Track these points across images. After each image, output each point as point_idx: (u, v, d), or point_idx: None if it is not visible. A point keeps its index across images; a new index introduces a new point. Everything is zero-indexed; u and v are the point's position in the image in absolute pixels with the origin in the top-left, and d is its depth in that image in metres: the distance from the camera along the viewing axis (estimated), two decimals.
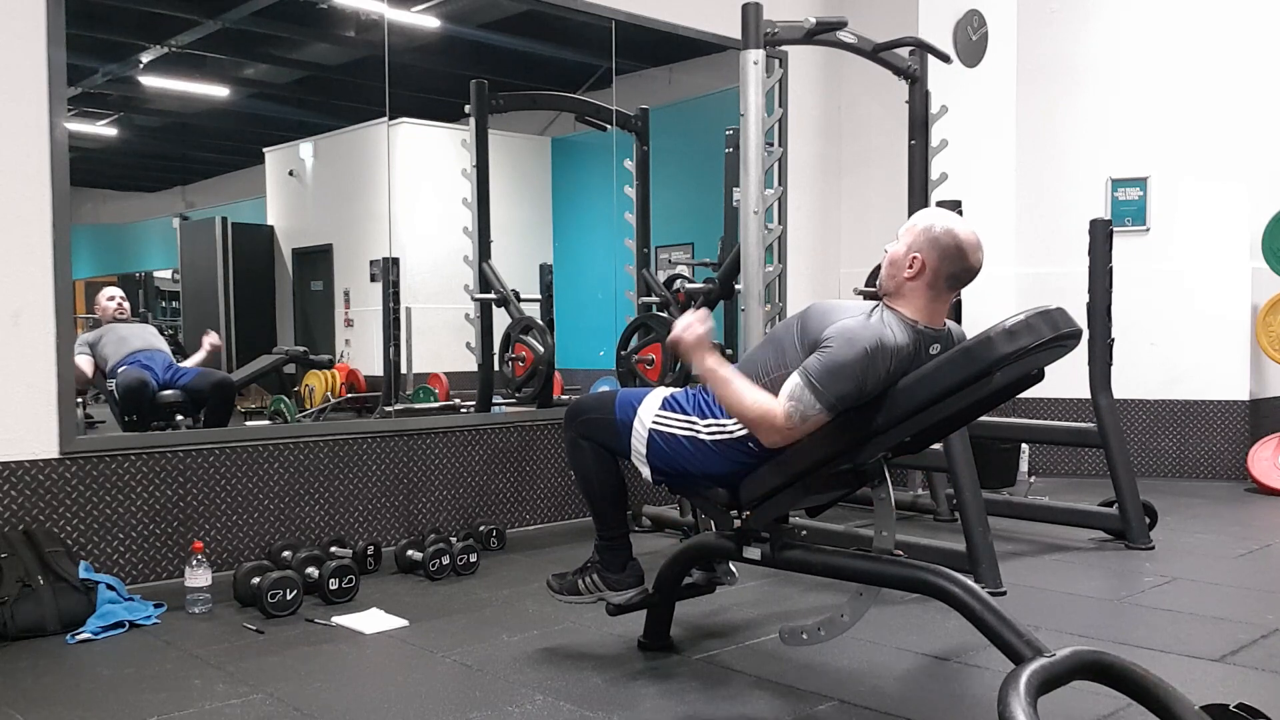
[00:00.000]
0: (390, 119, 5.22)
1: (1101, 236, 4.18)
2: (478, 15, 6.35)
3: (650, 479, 2.50)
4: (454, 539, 3.81)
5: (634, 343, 4.52)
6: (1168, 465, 5.83)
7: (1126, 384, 5.18)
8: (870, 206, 5.76)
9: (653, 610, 2.74)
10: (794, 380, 2.18)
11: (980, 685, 2.48)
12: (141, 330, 4.91)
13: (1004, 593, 3.27)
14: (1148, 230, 5.84)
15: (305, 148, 7.59)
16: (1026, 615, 2.82)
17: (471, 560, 3.65)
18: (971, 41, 5.80)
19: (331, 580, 3.24)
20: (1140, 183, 5.85)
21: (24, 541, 3.10)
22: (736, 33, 3.52)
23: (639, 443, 2.46)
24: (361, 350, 6.78)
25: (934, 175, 4.27)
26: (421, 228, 6.82)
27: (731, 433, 2.36)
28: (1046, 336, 1.98)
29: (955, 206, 3.98)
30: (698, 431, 2.40)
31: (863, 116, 5.84)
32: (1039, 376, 2.21)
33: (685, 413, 2.44)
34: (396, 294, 5.55)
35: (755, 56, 3.47)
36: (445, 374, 6.05)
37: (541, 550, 4.08)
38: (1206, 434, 5.76)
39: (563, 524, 4.58)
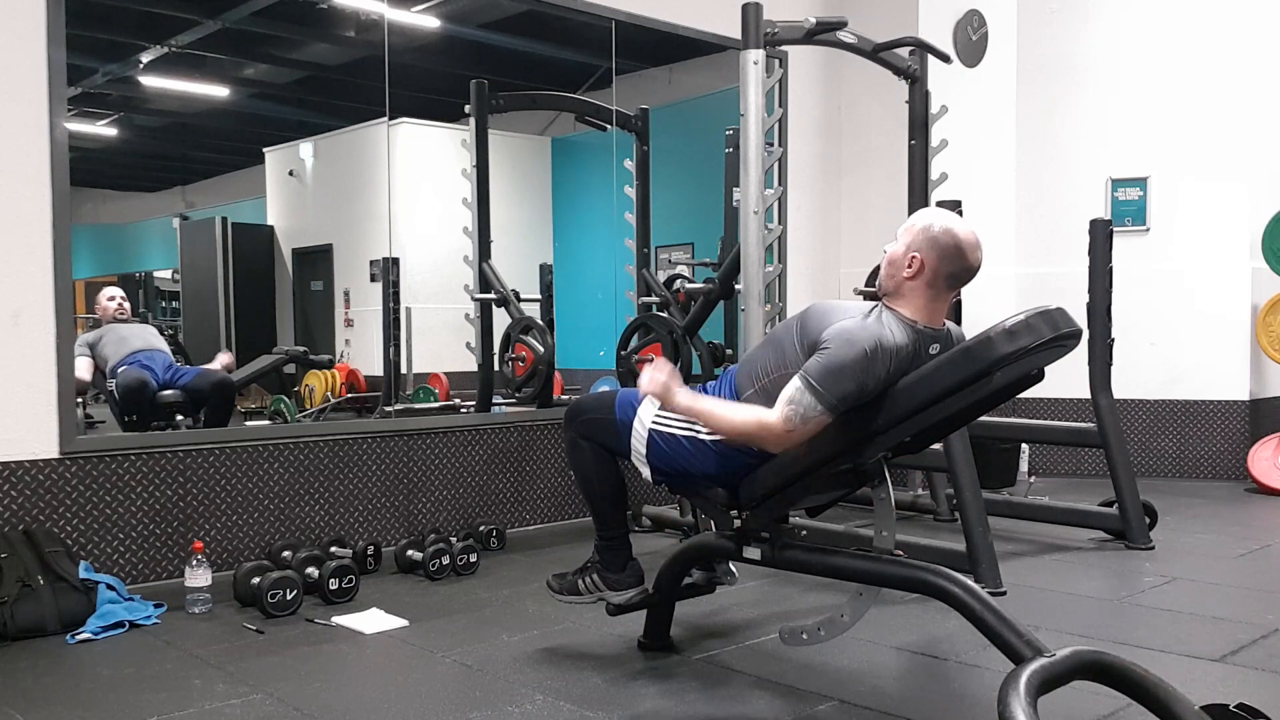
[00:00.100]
0: (390, 119, 5.22)
1: (1101, 236, 4.18)
2: (478, 15, 6.35)
3: (650, 479, 2.50)
4: (454, 539, 3.81)
5: (634, 343, 4.52)
6: (1168, 465, 5.83)
7: (1126, 384, 5.18)
8: (870, 206, 5.76)
9: (653, 610, 2.74)
10: (793, 384, 2.18)
11: (980, 685, 2.48)
12: (142, 330, 4.91)
13: (1004, 593, 3.27)
14: (1148, 230, 5.84)
15: (305, 148, 7.59)
16: (1026, 615, 2.82)
17: (471, 560, 3.65)
18: (971, 41, 5.80)
19: (331, 580, 3.24)
20: (1140, 183, 5.85)
21: (24, 541, 3.10)
22: (736, 33, 3.52)
23: (639, 443, 2.46)
24: (361, 350, 6.78)
25: (934, 175, 4.27)
26: (421, 228, 6.82)
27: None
28: (1046, 336, 1.98)
29: (955, 206, 3.98)
30: (697, 431, 2.40)
31: (863, 116, 5.84)
32: (1039, 376, 2.20)
33: None
34: (396, 294, 5.55)
35: (755, 56, 3.47)
36: (445, 374, 6.05)
37: (541, 550, 4.08)
38: (1206, 434, 5.76)
39: (563, 524, 4.58)
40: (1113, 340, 4.19)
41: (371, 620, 3.04)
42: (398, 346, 5.74)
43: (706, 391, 2.48)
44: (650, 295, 4.73)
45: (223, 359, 5.25)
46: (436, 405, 5.65)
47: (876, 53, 3.97)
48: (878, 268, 2.40)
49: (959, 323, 2.67)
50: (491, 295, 4.76)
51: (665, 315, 4.50)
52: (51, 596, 2.97)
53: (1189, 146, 5.75)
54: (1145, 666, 1.95)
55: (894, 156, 4.73)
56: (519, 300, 4.85)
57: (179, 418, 4.56)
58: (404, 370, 6.03)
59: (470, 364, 4.84)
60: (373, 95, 4.88)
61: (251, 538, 3.68)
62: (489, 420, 4.47)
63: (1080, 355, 3.03)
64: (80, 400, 4.00)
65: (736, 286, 3.67)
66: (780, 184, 5.23)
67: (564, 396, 5.41)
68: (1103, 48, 5.91)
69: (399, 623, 3.02)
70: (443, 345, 5.96)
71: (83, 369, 4.35)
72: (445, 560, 3.59)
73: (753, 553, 2.50)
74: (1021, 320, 1.99)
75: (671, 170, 5.56)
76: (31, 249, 3.24)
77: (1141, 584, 3.50)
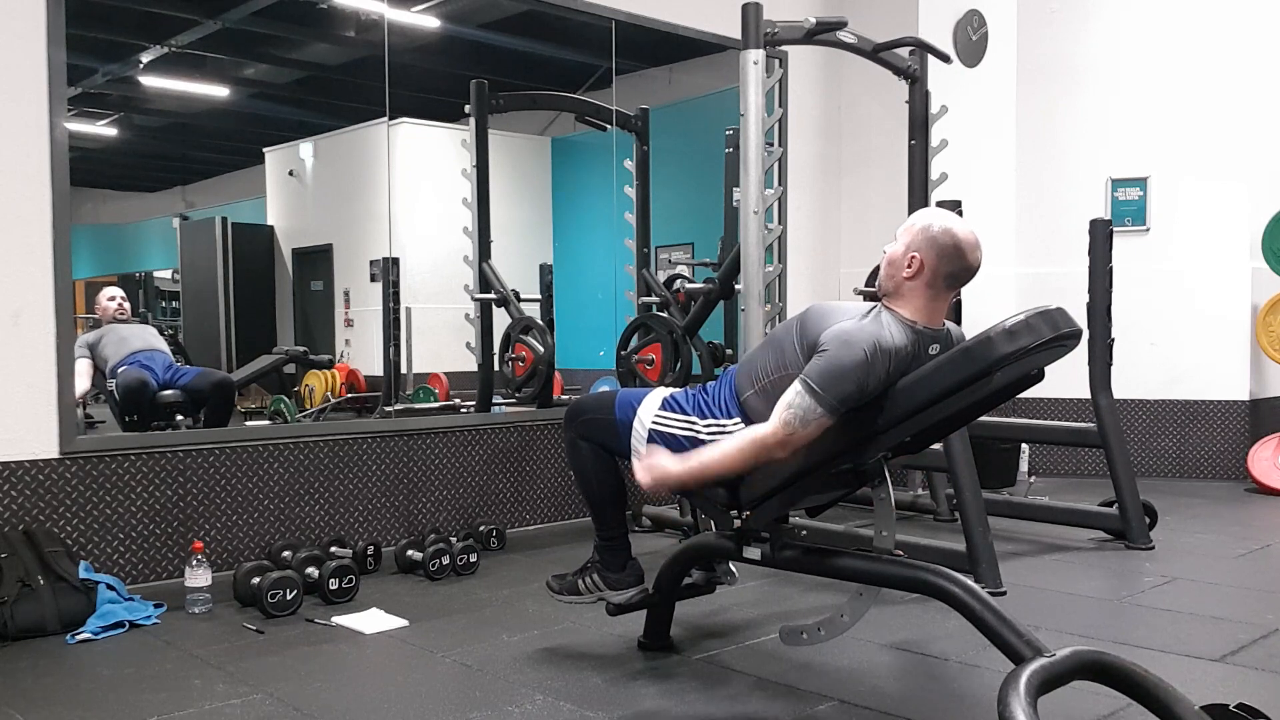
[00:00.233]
0: (390, 119, 5.22)
1: (1101, 236, 4.18)
2: (478, 15, 6.35)
3: None
4: (454, 539, 3.81)
5: (634, 343, 4.52)
6: (1168, 465, 5.83)
7: (1126, 384, 5.18)
8: (870, 206, 5.76)
9: (653, 610, 2.74)
10: (792, 388, 2.18)
11: (980, 685, 2.48)
12: (142, 330, 4.90)
13: (1004, 593, 3.27)
14: (1148, 230, 5.84)
15: (305, 148, 7.59)
16: (1026, 615, 2.82)
17: (471, 560, 3.65)
18: (971, 41, 5.80)
19: (331, 580, 3.24)
20: (1140, 183, 5.85)
21: (24, 541, 3.10)
22: (736, 33, 3.52)
23: (639, 443, 2.46)
24: (361, 350, 6.77)
25: (934, 175, 4.27)
26: (421, 228, 6.82)
27: (731, 433, 2.36)
28: (1046, 336, 1.98)
29: (955, 206, 3.97)
30: (697, 432, 2.40)
31: (863, 116, 5.84)
32: (1039, 376, 2.20)
33: (685, 413, 2.44)
34: (396, 294, 5.55)
35: (755, 56, 3.47)
36: (445, 374, 6.05)
37: (541, 550, 4.08)
38: (1206, 434, 5.76)
39: (563, 524, 4.58)
40: (1113, 340, 4.19)
41: (371, 620, 3.04)
42: (398, 346, 5.74)
43: (707, 392, 2.48)
44: (650, 295, 4.73)
45: None
46: (436, 405, 5.65)
47: (876, 53, 3.97)
48: (878, 268, 2.40)
49: (959, 323, 2.67)
50: (491, 295, 4.76)
51: (665, 315, 4.50)
52: (51, 596, 2.97)
53: (1189, 146, 5.75)
54: (1145, 666, 1.95)
55: (894, 156, 4.73)
56: (519, 300, 4.85)
57: (179, 418, 4.56)
58: (404, 370, 6.03)
59: (470, 364, 4.84)
60: (373, 95, 4.88)
61: (251, 538, 3.68)
62: (489, 420, 4.47)
63: (1080, 355, 3.03)
64: (80, 402, 4.00)
65: (736, 286, 3.67)
66: (780, 184, 5.23)
67: (564, 396, 5.42)
68: (1103, 48, 5.91)
69: (399, 623, 3.02)
70: (443, 345, 5.96)
71: (83, 371, 4.34)
72: (445, 560, 3.59)
73: (753, 553, 2.50)
74: (1021, 320, 1.99)
75: (671, 170, 5.56)
76: (31, 249, 3.24)
77: (1141, 584, 3.50)
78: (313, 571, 3.28)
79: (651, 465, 2.31)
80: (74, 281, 3.37)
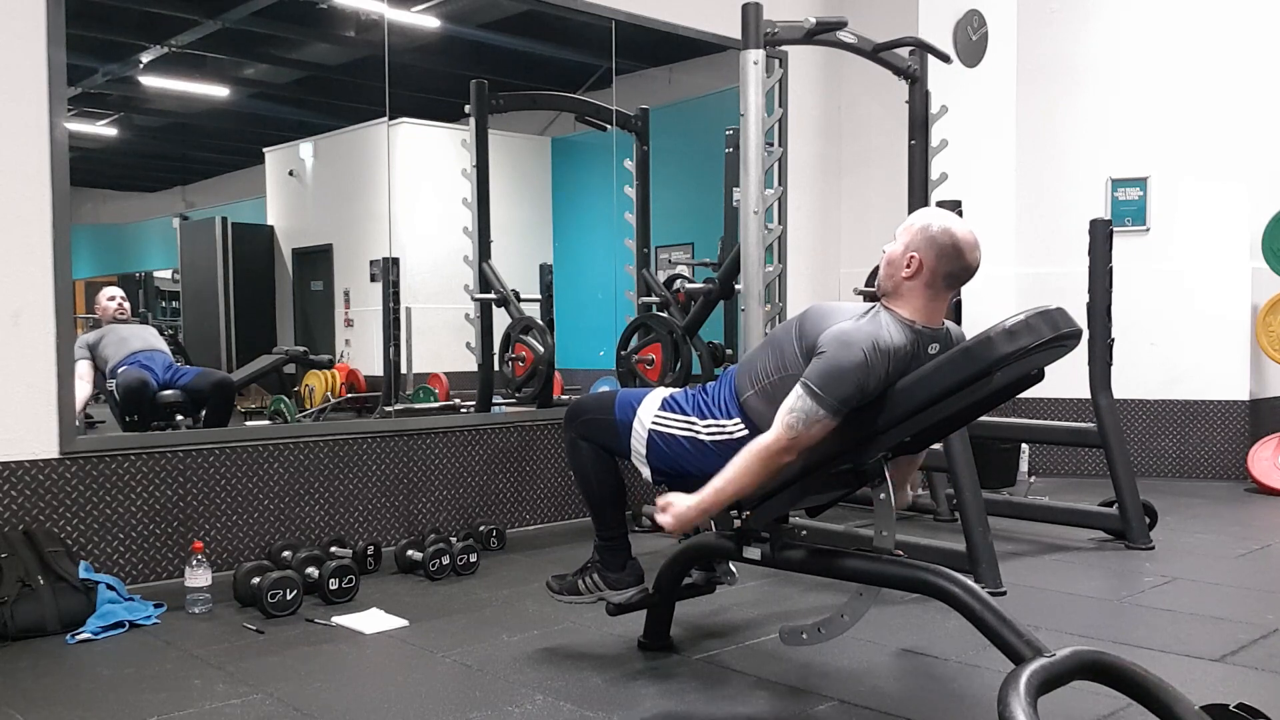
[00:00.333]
0: (390, 119, 5.22)
1: (1101, 236, 4.18)
2: (478, 15, 6.35)
3: (650, 479, 2.50)
4: (454, 539, 3.81)
5: (634, 343, 4.53)
6: (1168, 465, 5.83)
7: (1126, 384, 5.18)
8: (870, 206, 5.76)
9: (653, 610, 2.74)
10: (794, 391, 2.18)
11: (980, 685, 2.48)
12: (142, 331, 4.90)
13: (1004, 593, 3.27)
14: (1148, 230, 5.84)
15: (305, 148, 7.59)
16: (1026, 615, 2.82)
17: (471, 560, 3.65)
18: (971, 41, 5.80)
19: (331, 580, 3.24)
20: (1140, 183, 5.85)
21: (24, 541, 3.10)
22: (736, 33, 3.52)
23: (638, 443, 2.46)
24: (361, 350, 6.77)
25: (934, 175, 4.27)
26: (421, 228, 6.82)
27: (731, 434, 2.36)
28: (1046, 336, 1.98)
29: (955, 206, 3.97)
30: (697, 432, 2.40)
31: (863, 116, 5.84)
32: (1039, 376, 2.20)
33: (685, 413, 2.44)
34: (396, 294, 5.55)
35: (755, 56, 3.47)
36: (445, 374, 6.05)
37: (541, 550, 4.08)
38: (1206, 434, 5.76)
39: (563, 524, 4.58)
40: (1113, 340, 4.19)
41: (371, 620, 3.04)
42: (398, 346, 5.74)
43: (706, 392, 2.48)
44: (650, 295, 4.73)
45: None
46: (436, 405, 5.65)
47: (876, 53, 3.97)
48: (877, 268, 2.40)
49: (959, 323, 2.67)
50: (491, 295, 4.76)
51: (665, 315, 4.50)
52: (51, 596, 2.97)
53: (1189, 146, 5.75)
54: (1145, 666, 1.95)
55: (894, 156, 4.73)
56: (519, 300, 4.85)
57: (179, 418, 4.56)
58: (404, 370, 6.03)
59: (470, 364, 4.84)
60: (373, 95, 4.88)
61: (251, 538, 3.68)
62: (489, 420, 4.47)
63: (1080, 355, 3.03)
64: (82, 409, 3.99)
65: (736, 286, 3.66)
66: (780, 184, 5.23)
67: (564, 396, 5.42)
68: (1103, 48, 5.91)
69: (399, 623, 3.02)
70: (443, 345, 5.96)
71: (83, 374, 4.32)
72: (445, 560, 3.59)
73: (753, 553, 2.50)
74: (1021, 320, 1.99)
75: (671, 170, 5.56)
76: (31, 249, 3.24)
77: (1141, 584, 3.50)
78: (313, 571, 3.28)
79: (670, 509, 2.30)
80: (74, 281, 3.37)
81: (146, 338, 4.84)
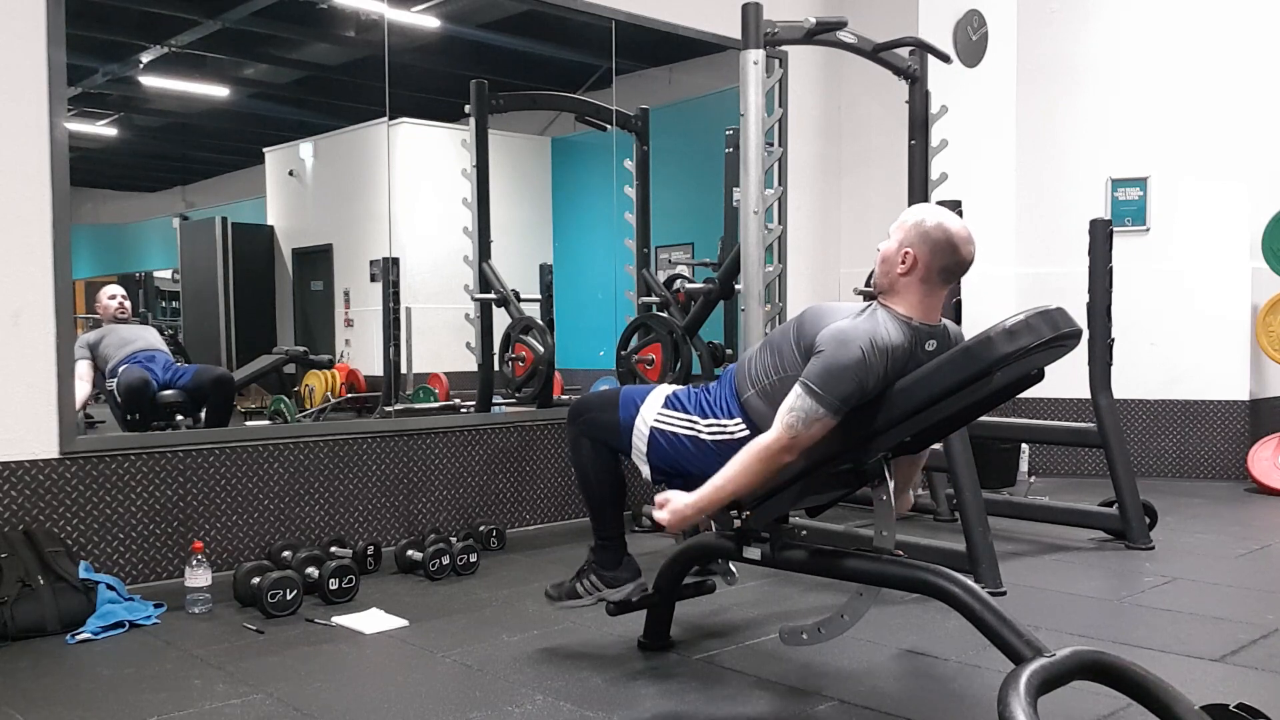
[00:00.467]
0: (390, 119, 5.22)
1: (1101, 236, 4.18)
2: (478, 15, 6.35)
3: (649, 478, 2.50)
4: (454, 539, 3.81)
5: (634, 343, 4.53)
6: (1168, 465, 5.83)
7: (1126, 384, 5.18)
8: (870, 206, 5.76)
9: (653, 610, 2.74)
10: (794, 391, 2.18)
11: (980, 685, 2.48)
12: (142, 331, 4.90)
13: (1004, 593, 3.27)
14: (1148, 230, 5.84)
15: (305, 148, 7.59)
16: (1026, 615, 2.82)
17: (471, 560, 3.65)
18: (971, 41, 5.80)
19: (331, 580, 3.24)
20: (1140, 183, 5.85)
21: (24, 541, 3.10)
22: (736, 33, 3.52)
23: (640, 441, 2.46)
24: (361, 350, 6.77)
25: (934, 175, 4.27)
26: (421, 228, 6.82)
27: (732, 434, 2.36)
28: (1046, 336, 1.98)
29: (955, 206, 3.97)
30: (699, 431, 2.40)
31: (863, 116, 5.84)
32: (1039, 376, 2.20)
33: (687, 412, 2.44)
34: (396, 294, 5.55)
35: (755, 56, 3.47)
36: (445, 374, 6.05)
37: (541, 550, 4.08)
38: (1206, 434, 5.76)
39: (563, 524, 4.58)
40: (1113, 340, 4.19)
41: (371, 620, 3.04)
42: (398, 346, 5.74)
43: (709, 392, 2.48)
44: (650, 295, 4.73)
45: None
46: (436, 405, 5.65)
47: (876, 53, 3.97)
48: None
49: (959, 323, 2.67)
50: (491, 295, 4.76)
51: (665, 315, 4.50)
52: (51, 596, 2.97)
53: (1189, 146, 5.75)
54: (1145, 666, 1.95)
55: (894, 156, 4.73)
56: (519, 300, 4.85)
57: (179, 418, 4.56)
58: (404, 370, 6.03)
59: (470, 364, 4.84)
60: (373, 95, 4.88)
61: (251, 538, 3.68)
62: (489, 420, 4.47)
63: (1080, 355, 3.03)
64: (81, 408, 3.99)
65: (736, 286, 3.67)
66: (780, 184, 5.23)
67: (564, 396, 5.42)
68: (1103, 48, 5.91)
69: (399, 623, 3.02)
70: (443, 345, 5.96)
71: (83, 374, 4.31)
72: (445, 560, 3.59)
73: (753, 553, 2.50)
74: (1021, 320, 1.99)
75: (671, 170, 5.56)
76: (31, 249, 3.24)
77: (1141, 584, 3.50)
78: (313, 571, 3.28)
79: (668, 505, 2.30)
80: (74, 281, 3.36)
81: (147, 338, 4.84)
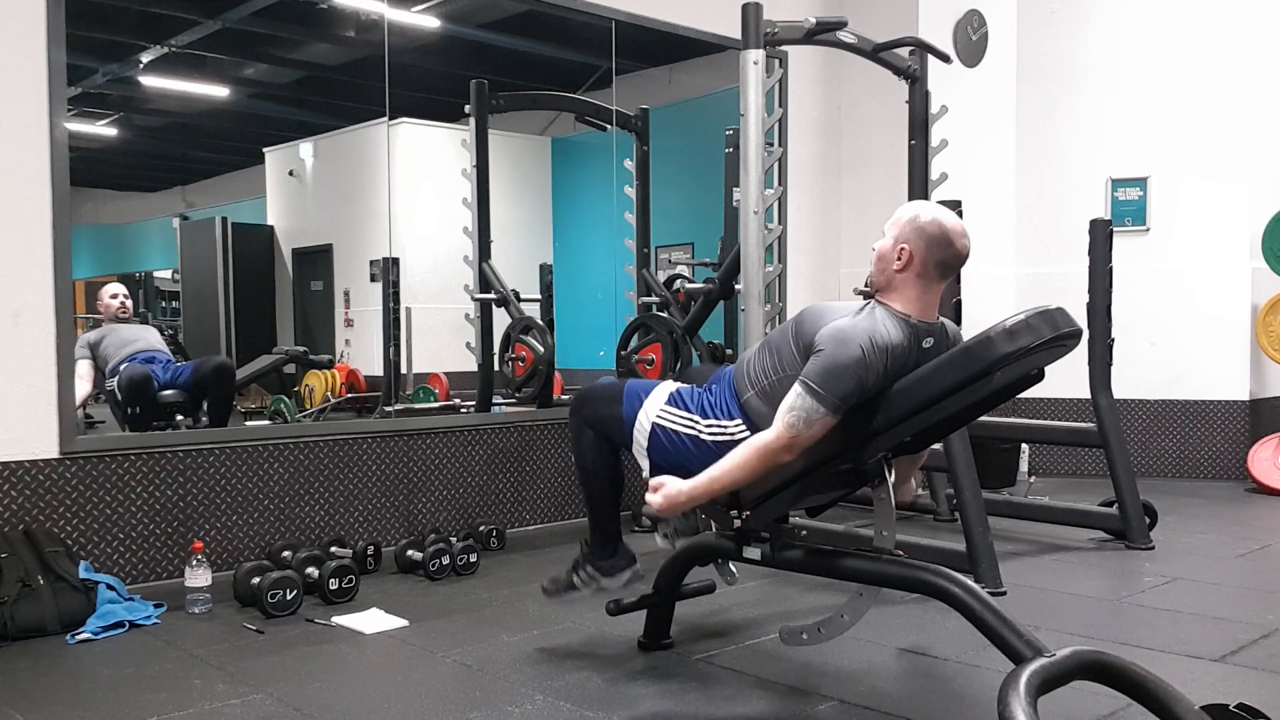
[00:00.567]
0: (390, 119, 5.22)
1: (1101, 236, 4.18)
2: (478, 15, 6.35)
3: (648, 474, 2.50)
4: (454, 539, 3.81)
5: (634, 343, 4.53)
6: (1168, 465, 5.83)
7: (1126, 384, 5.18)
8: (870, 206, 5.76)
9: (653, 610, 2.74)
10: (793, 391, 2.18)
11: (980, 685, 2.48)
12: (143, 331, 4.90)
13: (1004, 593, 3.27)
14: (1148, 230, 5.84)
15: (305, 148, 7.59)
16: (1026, 615, 2.82)
17: (471, 560, 3.65)
18: (971, 41, 5.80)
19: (331, 580, 3.24)
20: (1140, 183, 5.85)
21: (24, 541, 3.10)
22: (736, 33, 3.52)
23: (641, 436, 2.46)
24: (361, 350, 6.77)
25: (934, 175, 4.27)
26: (421, 228, 6.82)
27: (732, 435, 2.36)
28: (1046, 336, 1.98)
29: (955, 206, 3.97)
30: (699, 431, 2.40)
31: (863, 116, 5.84)
32: (1039, 376, 2.21)
33: (690, 410, 2.44)
34: (396, 294, 5.55)
35: (755, 56, 3.47)
36: (445, 374, 6.05)
37: (541, 550, 4.08)
38: (1206, 434, 5.76)
39: (563, 524, 4.58)
40: (1113, 340, 4.19)
41: (371, 620, 3.04)
42: (398, 346, 5.74)
43: (711, 392, 2.48)
44: (650, 295, 4.73)
45: None
46: (436, 405, 5.65)
47: (876, 53, 3.97)
48: None
49: (959, 323, 2.67)
50: (491, 295, 4.76)
51: (665, 315, 4.50)
52: (51, 596, 2.97)
53: (1189, 146, 5.75)
54: (1145, 666, 1.95)
55: (894, 156, 4.73)
56: (519, 300, 4.85)
57: (179, 418, 4.56)
58: (404, 370, 6.03)
59: (470, 364, 4.84)
60: (373, 95, 4.88)
61: (251, 538, 3.68)
62: (489, 420, 4.47)
63: (1080, 355, 3.03)
64: (81, 406, 3.99)
65: (736, 286, 3.67)
66: (780, 184, 5.23)
67: (564, 396, 5.41)
68: (1103, 48, 5.91)
69: (399, 623, 3.02)
70: (443, 345, 5.96)
71: (84, 374, 4.32)
72: (445, 560, 3.59)
73: (753, 553, 2.50)
74: (1021, 320, 1.99)
75: (671, 170, 5.56)
76: (31, 249, 3.24)
77: (1141, 584, 3.50)
78: (313, 571, 3.28)
79: (662, 489, 2.31)
80: (74, 281, 3.37)
81: (148, 339, 4.84)
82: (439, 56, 6.55)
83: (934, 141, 4.27)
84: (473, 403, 4.85)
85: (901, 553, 2.32)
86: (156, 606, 3.14)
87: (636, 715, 2.30)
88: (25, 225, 3.23)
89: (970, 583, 2.12)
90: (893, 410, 2.16)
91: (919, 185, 4.25)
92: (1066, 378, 3.43)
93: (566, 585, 2.70)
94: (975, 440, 3.63)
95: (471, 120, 4.79)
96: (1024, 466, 5.33)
